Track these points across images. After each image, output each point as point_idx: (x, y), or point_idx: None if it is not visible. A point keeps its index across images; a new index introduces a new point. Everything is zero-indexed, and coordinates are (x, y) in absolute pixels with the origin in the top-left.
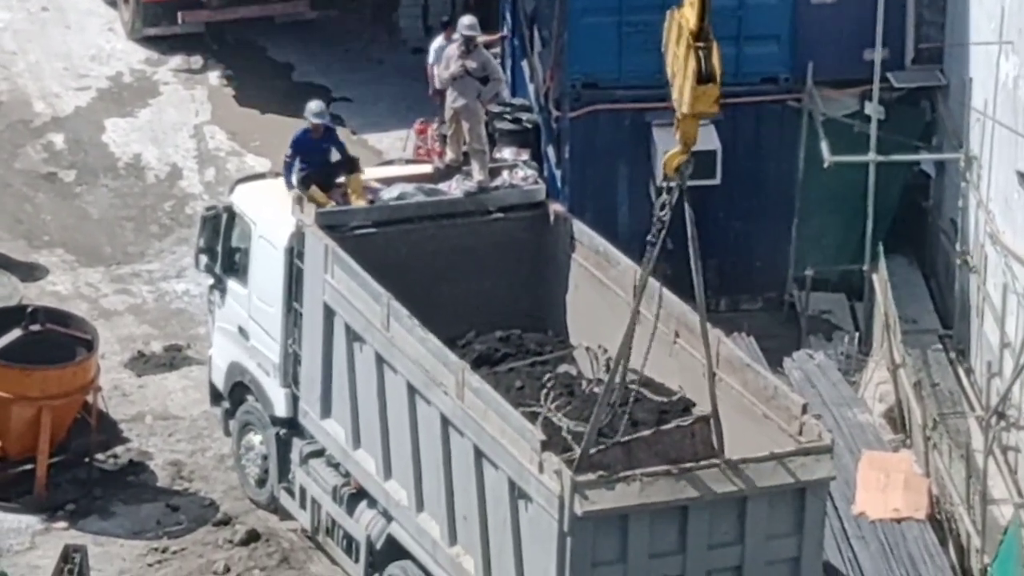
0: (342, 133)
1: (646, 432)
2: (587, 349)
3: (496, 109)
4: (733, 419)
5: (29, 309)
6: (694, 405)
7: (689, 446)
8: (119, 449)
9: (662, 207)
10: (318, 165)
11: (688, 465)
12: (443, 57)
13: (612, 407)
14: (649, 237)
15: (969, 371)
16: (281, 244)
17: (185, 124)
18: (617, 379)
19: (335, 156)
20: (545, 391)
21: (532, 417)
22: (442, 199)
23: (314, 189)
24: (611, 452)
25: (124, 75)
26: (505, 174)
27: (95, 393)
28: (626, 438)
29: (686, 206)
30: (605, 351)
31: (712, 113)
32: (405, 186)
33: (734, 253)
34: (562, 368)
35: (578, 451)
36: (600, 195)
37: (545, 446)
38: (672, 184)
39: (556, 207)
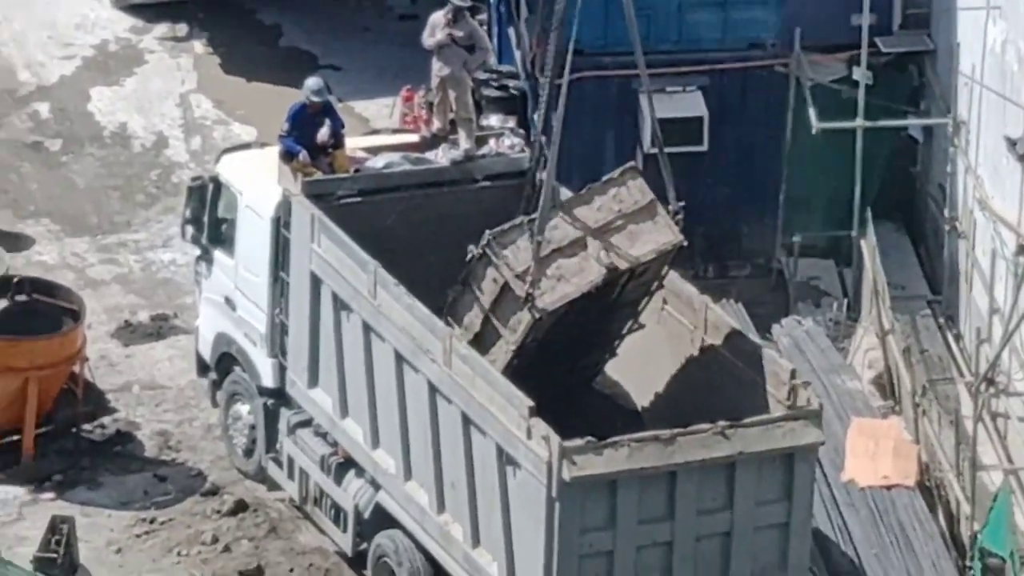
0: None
1: (582, 192)
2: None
3: (483, 76)
4: (722, 384)
5: (15, 280)
6: None
7: (628, 197)
8: (106, 419)
9: None
10: (311, 140)
11: (678, 431)
12: (429, 24)
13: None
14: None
15: (958, 337)
16: (267, 214)
17: (171, 93)
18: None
19: (325, 132)
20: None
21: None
22: (429, 168)
23: (301, 158)
24: (557, 221)
25: (109, 43)
26: (492, 142)
27: (82, 363)
28: (564, 200)
29: None
30: None
31: None
32: (391, 155)
33: (722, 220)
34: None
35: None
36: (587, 162)
37: (533, 412)
38: None
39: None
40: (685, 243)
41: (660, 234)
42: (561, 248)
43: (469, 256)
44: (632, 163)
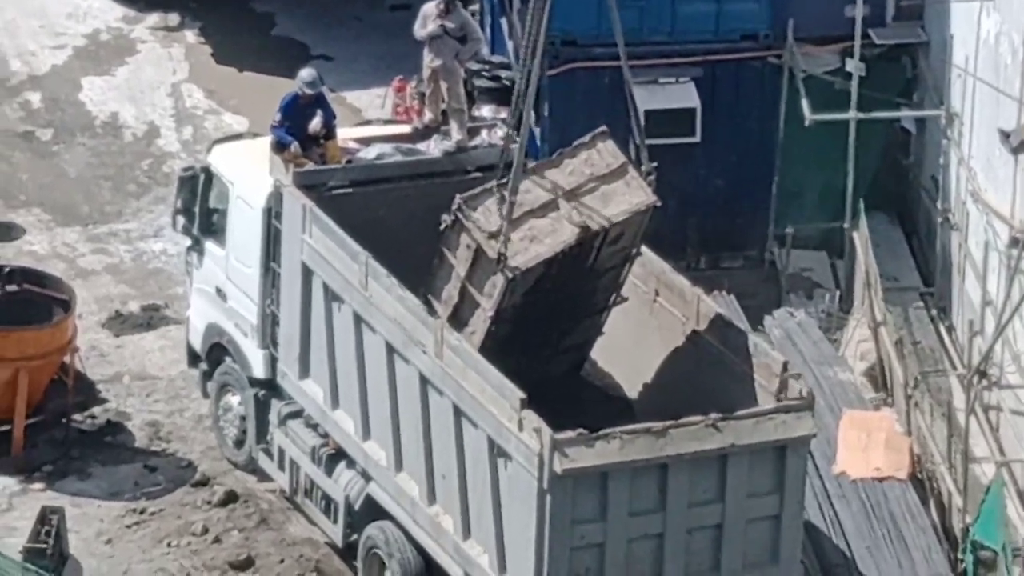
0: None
1: (552, 156)
2: None
3: (475, 67)
4: (714, 376)
5: (6, 269)
6: None
7: (599, 160)
8: (96, 410)
9: None
10: (303, 130)
11: (670, 423)
12: (421, 15)
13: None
14: None
15: (951, 329)
16: (259, 204)
17: (162, 82)
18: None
19: (317, 123)
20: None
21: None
22: (420, 159)
23: (293, 149)
24: (529, 185)
25: (101, 33)
26: (484, 133)
27: (72, 354)
28: (534, 164)
29: None
30: None
31: None
32: (383, 146)
33: (714, 211)
34: None
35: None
36: None
37: (525, 404)
38: None
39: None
40: (658, 203)
41: (633, 195)
42: (533, 210)
43: (443, 225)
44: (603, 127)
